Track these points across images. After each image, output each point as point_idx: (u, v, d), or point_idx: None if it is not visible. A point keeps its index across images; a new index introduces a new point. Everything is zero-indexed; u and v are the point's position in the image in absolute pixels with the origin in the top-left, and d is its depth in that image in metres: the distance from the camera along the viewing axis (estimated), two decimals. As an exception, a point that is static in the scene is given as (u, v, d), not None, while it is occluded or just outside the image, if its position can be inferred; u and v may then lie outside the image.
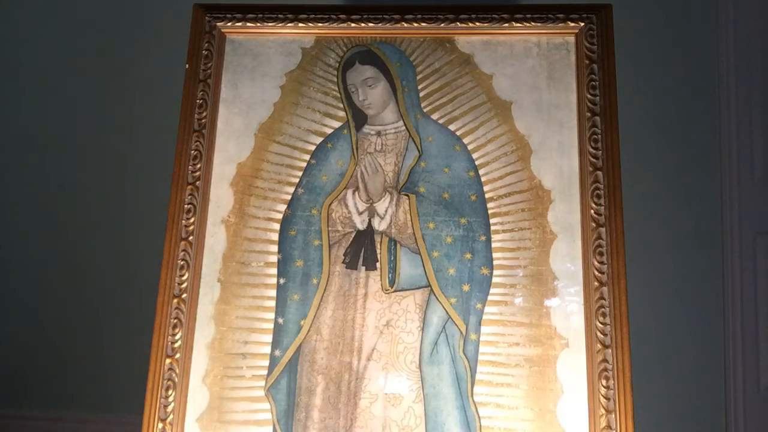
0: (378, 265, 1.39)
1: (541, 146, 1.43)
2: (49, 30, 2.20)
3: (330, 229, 1.42)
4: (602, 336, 1.30)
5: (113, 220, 2.07)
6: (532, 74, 1.48)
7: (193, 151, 1.46)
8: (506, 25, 1.50)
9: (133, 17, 2.15)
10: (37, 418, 2.01)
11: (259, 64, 1.54)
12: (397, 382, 1.32)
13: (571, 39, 1.49)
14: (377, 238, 1.40)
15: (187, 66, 1.51)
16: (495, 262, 1.37)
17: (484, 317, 1.34)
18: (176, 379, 1.33)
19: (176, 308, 1.37)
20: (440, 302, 1.35)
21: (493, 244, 1.38)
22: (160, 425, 1.30)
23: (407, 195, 1.42)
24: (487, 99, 1.47)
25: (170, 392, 1.32)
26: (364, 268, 1.39)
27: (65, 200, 2.12)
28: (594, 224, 1.36)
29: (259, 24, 1.55)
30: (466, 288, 1.35)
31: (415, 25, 1.52)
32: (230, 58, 1.54)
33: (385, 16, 1.53)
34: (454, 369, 1.31)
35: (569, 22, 1.49)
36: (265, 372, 1.35)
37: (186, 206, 1.42)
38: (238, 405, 1.33)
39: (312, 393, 1.33)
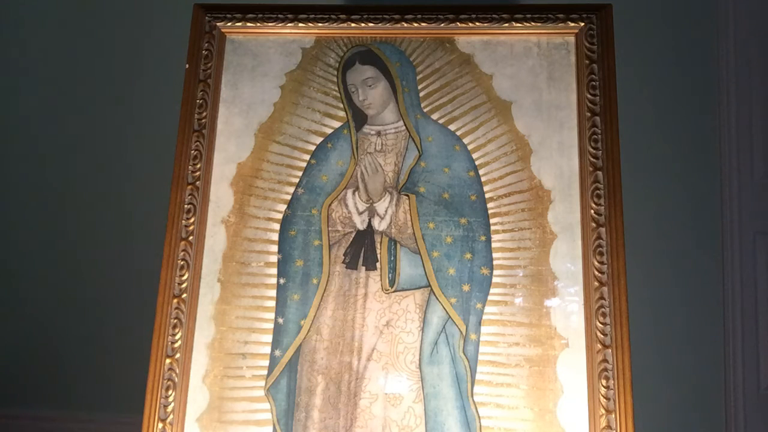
0: (378, 265, 1.38)
1: (541, 146, 1.43)
2: (49, 30, 2.20)
3: (330, 229, 1.42)
4: (602, 336, 1.30)
5: (113, 220, 2.07)
6: (532, 74, 1.48)
7: (193, 151, 1.46)
8: (506, 25, 1.50)
9: (133, 17, 2.15)
10: (37, 418, 2.01)
11: (259, 64, 1.54)
12: (397, 382, 1.32)
13: (571, 39, 1.49)
14: (377, 238, 1.40)
15: (187, 66, 1.52)
16: (495, 262, 1.37)
17: (484, 317, 1.34)
18: (176, 379, 1.33)
19: (176, 308, 1.37)
20: (440, 302, 1.35)
21: (493, 244, 1.38)
22: (160, 425, 1.30)
23: (407, 195, 1.42)
24: (487, 99, 1.47)
25: (170, 392, 1.32)
26: (364, 268, 1.39)
27: (65, 200, 2.11)
28: (594, 224, 1.36)
29: (259, 24, 1.55)
30: (466, 288, 1.35)
31: (415, 25, 1.52)
32: (230, 58, 1.54)
33: (385, 16, 1.53)
34: (454, 369, 1.31)
35: (569, 22, 1.49)
36: (265, 372, 1.35)
37: (186, 206, 1.42)
38: (238, 405, 1.33)
39: (312, 393, 1.33)
